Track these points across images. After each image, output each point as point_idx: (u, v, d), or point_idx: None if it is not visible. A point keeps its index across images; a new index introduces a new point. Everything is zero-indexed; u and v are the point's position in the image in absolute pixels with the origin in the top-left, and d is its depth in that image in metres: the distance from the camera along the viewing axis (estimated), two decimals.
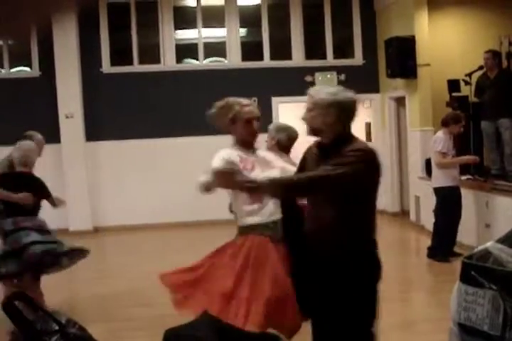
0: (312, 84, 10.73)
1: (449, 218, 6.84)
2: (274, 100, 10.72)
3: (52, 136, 10.04)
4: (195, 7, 10.76)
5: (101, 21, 10.44)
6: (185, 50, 10.93)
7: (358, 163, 2.68)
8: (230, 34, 10.74)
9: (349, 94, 2.81)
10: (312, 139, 3.12)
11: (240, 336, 2.14)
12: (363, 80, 10.64)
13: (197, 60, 10.85)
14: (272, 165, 3.23)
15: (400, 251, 8.09)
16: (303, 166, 3.03)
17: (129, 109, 10.38)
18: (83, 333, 2.41)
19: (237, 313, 2.74)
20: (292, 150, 4.43)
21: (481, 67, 7.71)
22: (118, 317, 5.29)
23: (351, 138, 2.85)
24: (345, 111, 2.79)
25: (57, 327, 2.35)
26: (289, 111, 12.20)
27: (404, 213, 10.39)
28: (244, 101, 3.29)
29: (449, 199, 6.83)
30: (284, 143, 4.38)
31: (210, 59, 10.92)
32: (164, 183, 10.24)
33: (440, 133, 6.93)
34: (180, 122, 10.33)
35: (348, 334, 2.70)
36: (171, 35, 10.64)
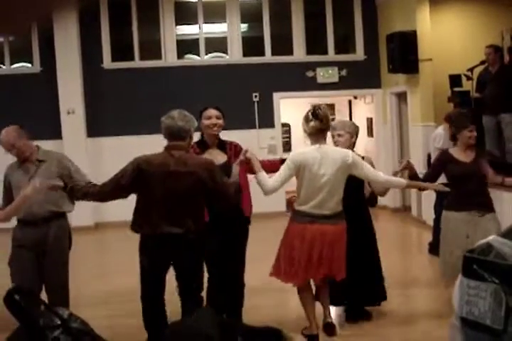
0: (313, 79, 10.72)
1: None
2: (276, 95, 10.70)
3: (54, 132, 10.05)
4: (196, 2, 10.73)
5: (102, 17, 10.42)
6: (187, 46, 10.91)
7: None
8: (231, 29, 10.72)
9: None
10: None
11: (242, 329, 2.14)
12: (364, 75, 10.63)
13: (198, 55, 10.83)
14: None
15: (401, 247, 8.09)
16: None
17: (130, 105, 10.37)
18: (85, 327, 2.41)
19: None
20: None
21: (482, 62, 7.68)
22: (119, 313, 5.30)
23: None
24: None
25: (59, 322, 2.35)
26: (291, 107, 12.21)
27: (405, 208, 10.39)
28: None
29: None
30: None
31: (212, 54, 10.90)
32: None
33: (440, 129, 6.89)
34: None
35: None
36: (172, 31, 10.62)
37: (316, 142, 4.31)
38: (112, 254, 8.48)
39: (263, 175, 4.24)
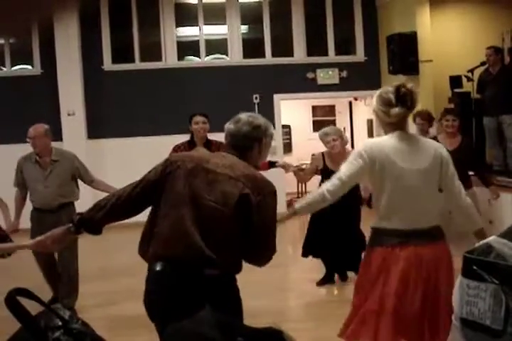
0: (314, 80, 10.73)
1: None
2: (276, 97, 10.71)
3: (54, 133, 9.95)
4: (196, 4, 10.75)
5: (102, 19, 10.44)
6: (187, 47, 10.93)
7: None
8: (231, 31, 10.73)
9: None
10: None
11: (244, 331, 2.14)
12: (364, 77, 10.63)
13: (198, 57, 10.85)
14: None
15: None
16: None
17: (131, 107, 10.38)
18: (86, 328, 2.40)
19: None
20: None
21: (483, 63, 7.70)
22: (121, 314, 5.30)
23: None
24: None
25: (60, 323, 2.35)
26: (291, 108, 12.23)
27: None
28: None
29: None
30: None
31: (212, 56, 10.92)
32: None
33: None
34: (182, 119, 10.28)
35: None
36: (173, 33, 10.64)
37: (396, 130, 3.06)
38: (114, 256, 8.48)
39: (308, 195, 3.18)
